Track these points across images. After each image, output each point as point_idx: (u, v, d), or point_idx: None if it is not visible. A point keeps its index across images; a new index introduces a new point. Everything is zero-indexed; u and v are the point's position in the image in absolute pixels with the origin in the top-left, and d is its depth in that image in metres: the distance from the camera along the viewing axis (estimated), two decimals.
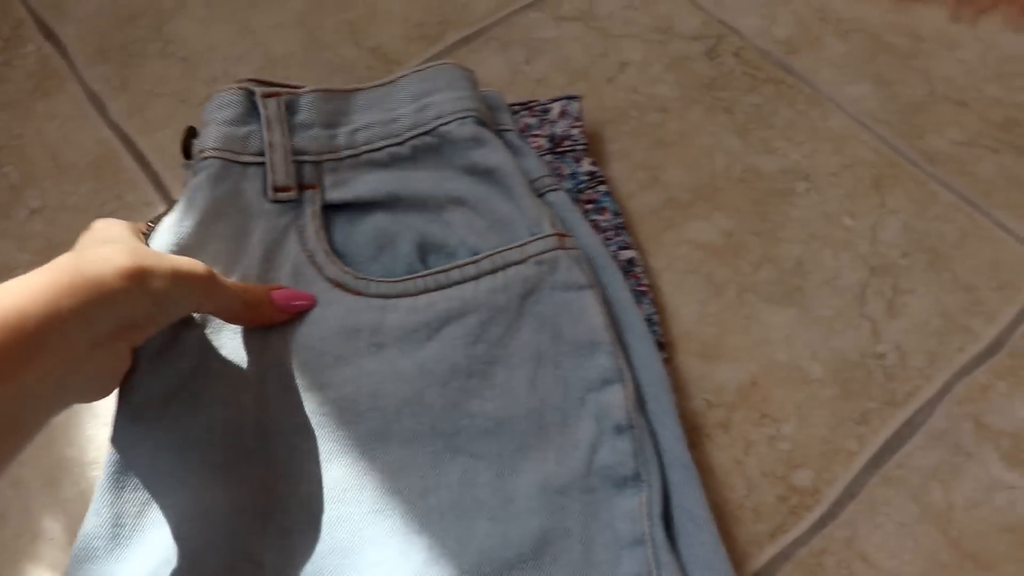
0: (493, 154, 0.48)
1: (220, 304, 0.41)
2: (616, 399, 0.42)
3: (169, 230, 0.44)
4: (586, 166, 0.56)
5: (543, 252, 0.45)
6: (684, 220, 0.57)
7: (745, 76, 0.64)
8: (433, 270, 0.45)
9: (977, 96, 0.63)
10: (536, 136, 0.57)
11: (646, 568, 0.38)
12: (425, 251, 0.47)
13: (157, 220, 0.46)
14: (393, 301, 0.44)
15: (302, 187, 0.47)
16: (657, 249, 0.56)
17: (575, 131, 0.57)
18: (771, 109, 0.62)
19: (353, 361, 0.43)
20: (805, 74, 0.64)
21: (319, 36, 0.68)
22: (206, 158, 0.46)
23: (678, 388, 0.50)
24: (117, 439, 0.41)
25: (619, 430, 0.41)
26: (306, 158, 0.48)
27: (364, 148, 0.48)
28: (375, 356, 0.43)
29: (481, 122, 0.49)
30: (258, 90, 0.48)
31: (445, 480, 0.40)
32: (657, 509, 0.40)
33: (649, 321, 0.50)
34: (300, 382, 0.42)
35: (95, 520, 0.39)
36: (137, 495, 0.40)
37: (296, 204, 0.47)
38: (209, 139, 0.47)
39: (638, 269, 0.52)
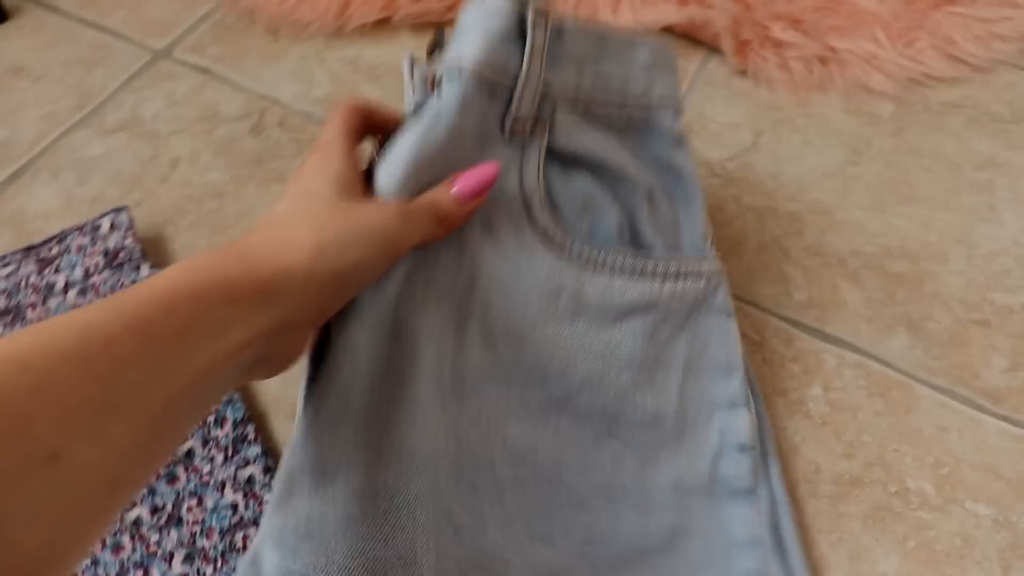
0: (687, 159, 0.49)
1: (417, 239, 0.37)
2: (741, 421, 0.46)
3: (418, 147, 0.38)
4: (146, 271, 0.57)
5: (713, 273, 0.47)
6: None
7: (291, 142, 0.67)
8: (634, 253, 0.45)
9: None
10: (92, 254, 0.57)
11: (759, 566, 0.43)
12: (621, 229, 0.46)
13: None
14: (591, 273, 0.44)
15: (536, 123, 0.43)
16: None
17: (128, 241, 0.58)
18: None
19: (552, 324, 0.43)
20: None
21: None
22: (460, 72, 0.40)
23: (274, 450, 0.51)
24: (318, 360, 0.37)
25: (741, 449, 0.46)
26: (550, 92, 0.43)
27: (597, 97, 0.45)
28: (571, 324, 0.43)
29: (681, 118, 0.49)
30: (530, 7, 0.41)
31: (600, 461, 0.43)
32: (769, 520, 0.45)
33: (229, 403, 0.52)
34: (500, 330, 0.41)
35: (297, 457, 0.35)
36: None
37: (524, 141, 0.43)
38: (468, 51, 0.40)
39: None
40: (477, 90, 0.40)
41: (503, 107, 0.42)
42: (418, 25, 0.77)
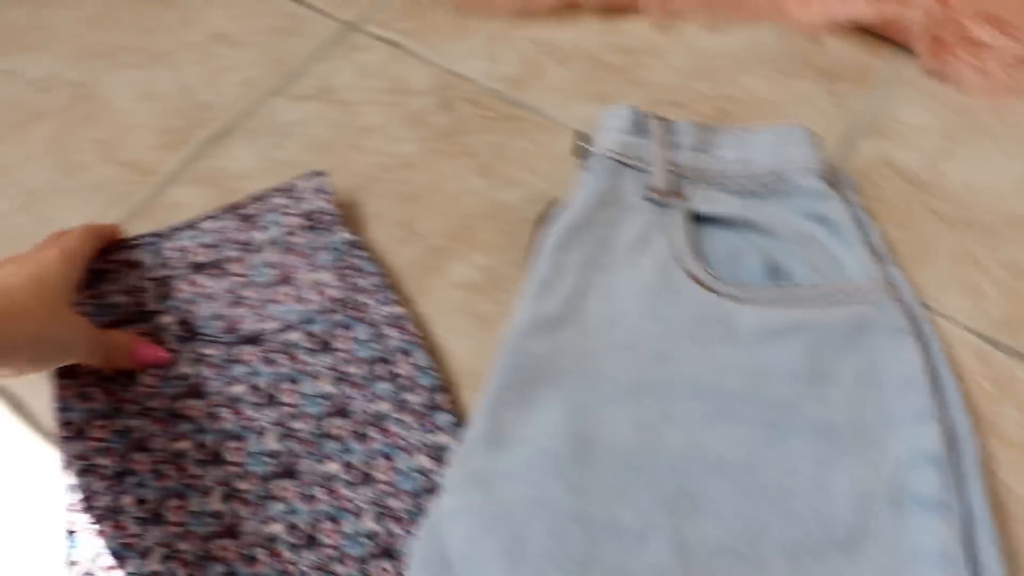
0: (832, 209, 0.56)
1: (91, 361, 0.51)
2: (928, 434, 0.47)
3: (566, 212, 0.57)
4: (342, 235, 0.59)
5: (876, 294, 0.53)
6: (445, 265, 0.61)
7: (479, 119, 0.69)
8: (782, 285, 0.54)
9: (689, 94, 0.70)
10: (290, 214, 0.60)
11: None
12: (772, 271, 0.55)
13: (549, 208, 0.59)
14: (741, 305, 0.53)
15: (674, 195, 0.58)
16: (425, 297, 0.59)
17: (326, 204, 0.60)
18: (507, 144, 0.67)
19: (703, 345, 0.51)
20: (534, 105, 0.70)
21: (72, 160, 0.68)
22: (599, 156, 0.59)
23: (465, 422, 0.53)
24: (514, 346, 0.51)
25: (929, 461, 0.46)
26: (680, 171, 0.59)
27: (726, 176, 0.59)
28: (723, 346, 0.51)
29: (824, 179, 0.58)
30: (648, 113, 0.61)
31: (770, 461, 0.47)
32: (962, 535, 0.45)
33: (423, 369, 0.53)
34: (658, 351, 0.51)
35: (479, 425, 0.48)
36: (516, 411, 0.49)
37: (665, 208, 0.57)
38: (606, 142, 0.59)
39: (405, 322, 0.55)
40: (614, 168, 0.59)
41: (641, 183, 0.58)
42: (606, 10, 0.77)
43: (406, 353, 0.54)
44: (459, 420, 0.52)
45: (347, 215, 0.62)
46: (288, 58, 0.75)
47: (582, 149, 0.60)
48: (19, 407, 0.55)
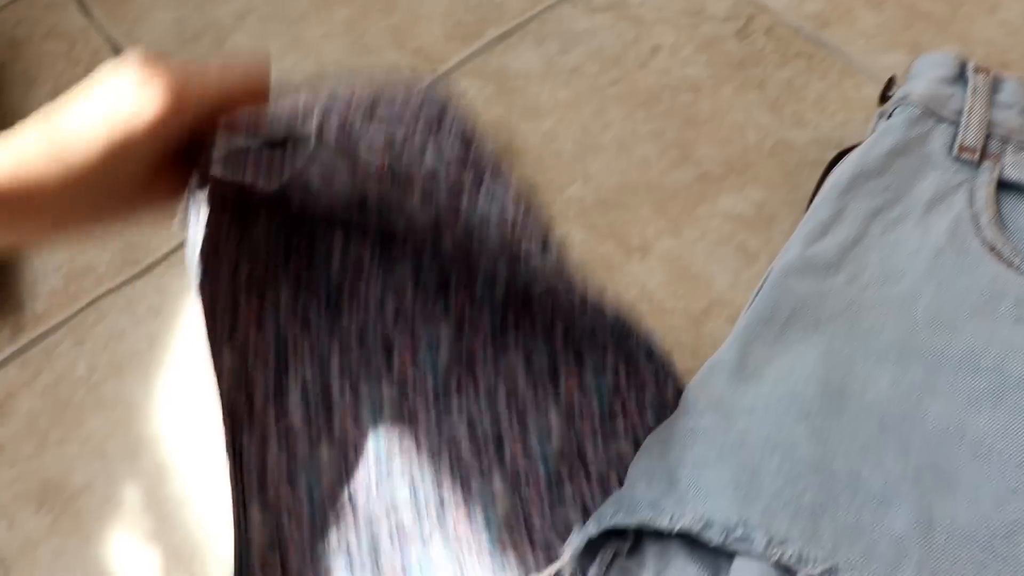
0: None
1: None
2: None
3: (858, 153, 0.53)
4: None
5: None
6: (716, 194, 0.59)
7: (775, 53, 0.65)
8: None
9: (1020, 54, 0.63)
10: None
11: None
12: None
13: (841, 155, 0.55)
14: None
15: (984, 155, 0.53)
16: (690, 222, 0.58)
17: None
18: (802, 83, 0.64)
19: (989, 320, 0.47)
20: (837, 46, 0.65)
21: (365, 42, 0.72)
22: (908, 104, 0.54)
23: (711, 351, 0.51)
24: (779, 283, 0.49)
25: None
26: (996, 131, 0.53)
27: None
28: (1013, 326, 0.47)
29: None
30: (971, 62, 0.55)
31: None
32: None
33: None
34: (934, 316, 0.48)
35: (729, 354, 0.47)
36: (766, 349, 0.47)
37: (972, 167, 0.52)
38: (916, 89, 0.54)
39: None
40: (922, 117, 0.53)
41: (949, 137, 0.53)
42: None
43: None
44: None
45: (617, 134, 0.61)
46: None
47: (888, 94, 0.55)
48: None
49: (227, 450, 0.40)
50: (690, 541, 0.42)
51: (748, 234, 0.57)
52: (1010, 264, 0.49)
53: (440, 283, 0.47)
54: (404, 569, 0.43)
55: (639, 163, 0.61)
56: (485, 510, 0.45)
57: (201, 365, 0.57)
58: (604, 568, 0.43)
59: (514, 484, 0.46)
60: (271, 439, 0.44)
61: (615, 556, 0.43)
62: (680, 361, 0.52)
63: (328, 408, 0.46)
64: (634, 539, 0.43)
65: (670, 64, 0.66)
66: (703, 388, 0.46)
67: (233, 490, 0.40)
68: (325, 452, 0.45)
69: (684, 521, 0.41)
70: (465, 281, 0.47)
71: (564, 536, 0.44)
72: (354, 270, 0.46)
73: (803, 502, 0.42)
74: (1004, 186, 0.52)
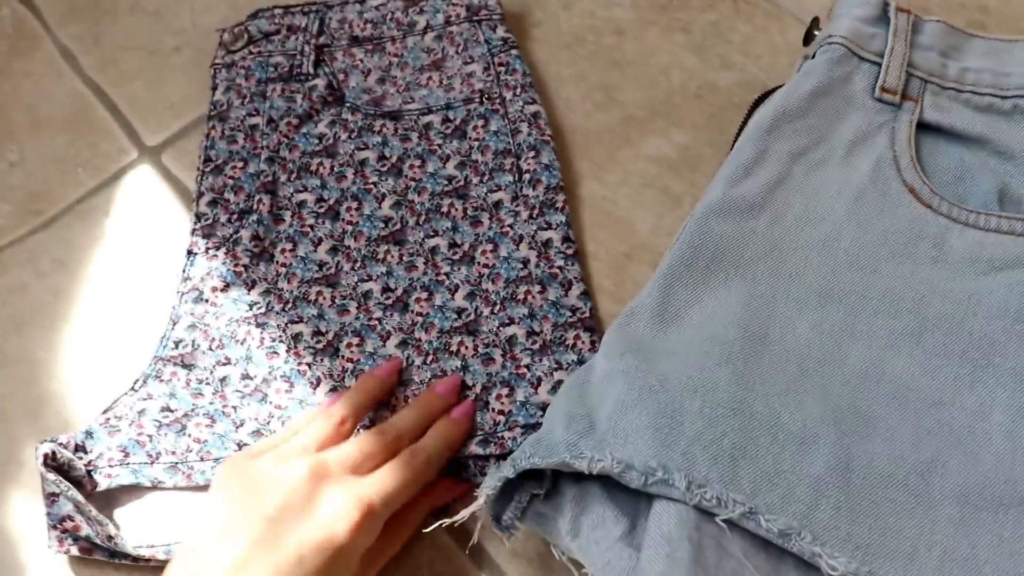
0: None
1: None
2: None
3: (781, 94, 0.52)
4: (500, 32, 0.60)
5: None
6: (640, 137, 0.58)
7: None
8: (1012, 214, 0.48)
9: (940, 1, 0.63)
10: (454, 4, 0.62)
11: None
12: (1002, 197, 0.50)
13: (764, 96, 0.54)
14: (959, 227, 0.48)
15: (904, 96, 0.52)
16: (613, 165, 0.57)
17: (491, 1, 0.61)
18: (728, 26, 0.63)
19: (909, 261, 0.47)
20: None
21: None
22: (831, 43, 0.53)
23: (633, 295, 0.51)
24: (701, 225, 0.48)
25: None
26: (916, 73, 0.53)
27: (968, 88, 0.53)
28: (931, 267, 0.47)
29: None
30: (892, 2, 0.54)
31: (959, 402, 0.43)
32: None
33: (548, 167, 0.55)
34: (851, 259, 0.47)
35: (649, 297, 0.46)
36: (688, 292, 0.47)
37: (894, 109, 0.52)
38: (839, 28, 0.53)
39: (542, 122, 0.57)
40: (845, 57, 0.52)
41: (871, 78, 0.52)
42: None
43: (535, 150, 0.55)
44: (568, 220, 0.53)
45: (540, 78, 0.60)
46: None
47: (812, 35, 0.55)
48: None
49: None
50: (608, 485, 0.41)
51: (672, 177, 0.56)
52: (929, 205, 0.48)
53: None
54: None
55: (562, 105, 0.59)
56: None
57: (109, 320, 0.54)
58: (519, 512, 0.42)
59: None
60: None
61: (531, 500, 0.42)
62: (601, 305, 0.52)
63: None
64: (551, 483, 0.42)
65: (594, 6, 0.64)
66: (624, 331, 0.45)
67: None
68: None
69: (603, 464, 0.40)
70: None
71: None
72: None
73: (723, 445, 0.41)
74: (923, 127, 0.52)
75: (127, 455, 0.47)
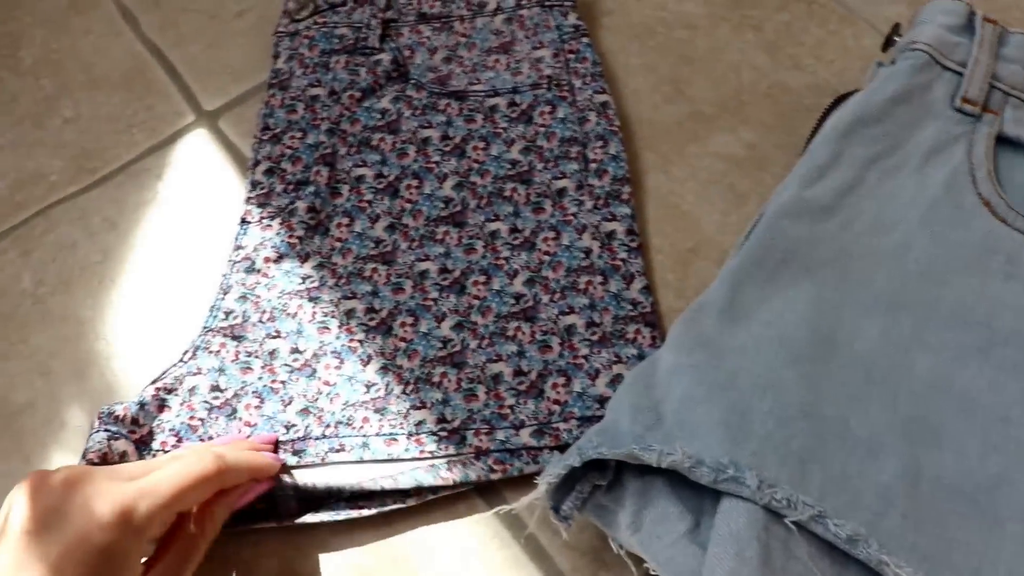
0: None
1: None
2: None
3: (859, 98, 0.51)
4: (571, 19, 0.60)
5: None
6: (708, 133, 0.57)
7: None
8: None
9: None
10: None
11: None
12: None
13: (839, 101, 0.53)
14: None
15: (985, 108, 0.51)
16: (680, 159, 0.56)
17: None
18: (801, 27, 0.61)
19: (980, 275, 0.46)
20: None
21: None
22: (914, 50, 0.51)
23: (698, 292, 0.50)
24: (773, 224, 0.47)
25: None
26: (999, 85, 0.51)
27: None
28: (1003, 282, 0.46)
29: None
30: (979, 12, 0.53)
31: None
32: None
33: (615, 158, 0.55)
34: (922, 269, 0.46)
35: (718, 293, 0.45)
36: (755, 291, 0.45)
37: (973, 120, 0.51)
38: (923, 35, 0.52)
39: (611, 112, 0.56)
40: (927, 65, 0.51)
41: (952, 88, 0.51)
42: None
43: (603, 140, 0.54)
44: (633, 212, 0.53)
45: (610, 65, 0.59)
46: None
47: (893, 41, 0.53)
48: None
49: None
50: (672, 480, 0.40)
51: (739, 175, 0.55)
52: (1004, 220, 0.47)
53: None
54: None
55: (630, 96, 0.59)
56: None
57: (158, 284, 0.54)
58: (579, 503, 0.41)
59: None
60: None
61: (592, 491, 0.41)
62: (664, 300, 0.51)
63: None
64: (613, 475, 0.41)
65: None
66: (691, 326, 0.44)
67: None
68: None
69: (673, 458, 0.39)
70: None
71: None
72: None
73: (792, 447, 0.40)
74: (1003, 141, 0.50)
75: (180, 440, 0.46)
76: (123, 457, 0.44)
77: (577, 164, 0.54)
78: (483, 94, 0.58)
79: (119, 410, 0.45)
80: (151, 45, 0.64)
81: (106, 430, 0.44)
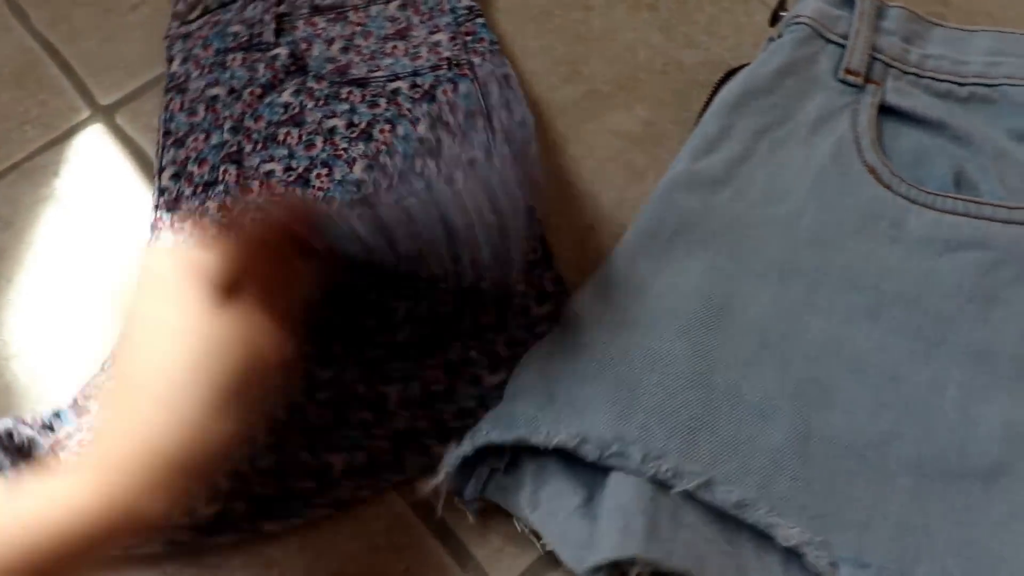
0: None
1: None
2: None
3: (747, 72, 0.52)
4: (465, 2, 0.60)
5: None
6: (604, 111, 0.58)
7: None
8: (967, 197, 0.49)
9: None
10: None
11: None
12: (958, 180, 0.50)
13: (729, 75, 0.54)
14: (917, 208, 0.48)
15: (868, 79, 0.52)
16: (577, 138, 0.56)
17: None
18: (695, 5, 0.63)
19: (868, 239, 0.48)
20: None
21: None
22: (798, 23, 0.53)
23: (596, 267, 0.50)
24: (665, 197, 0.48)
25: None
26: (879, 57, 0.53)
27: (928, 74, 0.53)
28: (889, 245, 0.47)
29: None
30: None
31: (915, 377, 0.44)
32: None
33: (522, 124, 0.54)
34: (812, 236, 0.48)
35: (611, 268, 0.47)
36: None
37: (857, 91, 0.52)
38: (806, 8, 0.54)
39: (513, 82, 0.56)
40: (811, 37, 0.53)
41: (836, 60, 0.53)
42: None
43: (507, 108, 0.54)
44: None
45: (507, 44, 0.60)
46: None
47: (779, 16, 0.55)
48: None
49: None
50: (567, 457, 0.41)
51: (636, 152, 0.56)
52: (888, 186, 0.49)
53: None
54: None
55: (527, 78, 0.59)
56: None
57: (57, 283, 0.53)
58: (481, 485, 0.42)
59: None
60: None
61: (492, 473, 0.42)
62: (564, 277, 0.51)
63: None
64: (511, 456, 0.42)
65: None
66: (585, 304, 0.45)
67: None
68: None
69: (559, 438, 0.40)
70: None
71: None
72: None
73: (681, 417, 0.42)
74: (885, 111, 0.52)
75: None
76: (31, 443, 0.43)
77: (484, 135, 0.54)
78: (384, 79, 0.58)
79: (27, 417, 0.44)
80: (43, 40, 0.63)
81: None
